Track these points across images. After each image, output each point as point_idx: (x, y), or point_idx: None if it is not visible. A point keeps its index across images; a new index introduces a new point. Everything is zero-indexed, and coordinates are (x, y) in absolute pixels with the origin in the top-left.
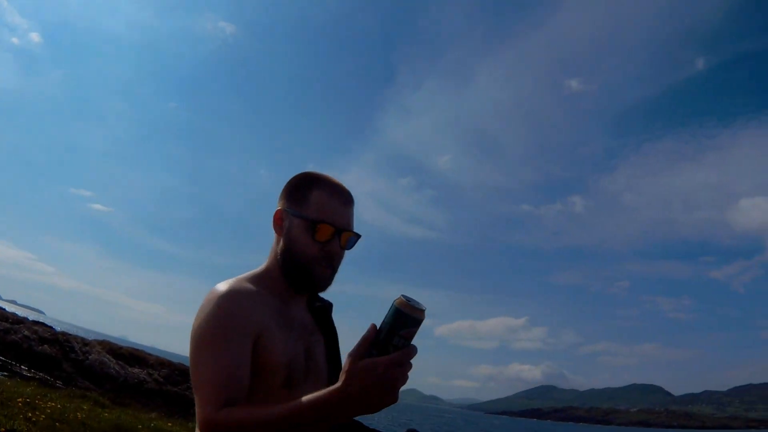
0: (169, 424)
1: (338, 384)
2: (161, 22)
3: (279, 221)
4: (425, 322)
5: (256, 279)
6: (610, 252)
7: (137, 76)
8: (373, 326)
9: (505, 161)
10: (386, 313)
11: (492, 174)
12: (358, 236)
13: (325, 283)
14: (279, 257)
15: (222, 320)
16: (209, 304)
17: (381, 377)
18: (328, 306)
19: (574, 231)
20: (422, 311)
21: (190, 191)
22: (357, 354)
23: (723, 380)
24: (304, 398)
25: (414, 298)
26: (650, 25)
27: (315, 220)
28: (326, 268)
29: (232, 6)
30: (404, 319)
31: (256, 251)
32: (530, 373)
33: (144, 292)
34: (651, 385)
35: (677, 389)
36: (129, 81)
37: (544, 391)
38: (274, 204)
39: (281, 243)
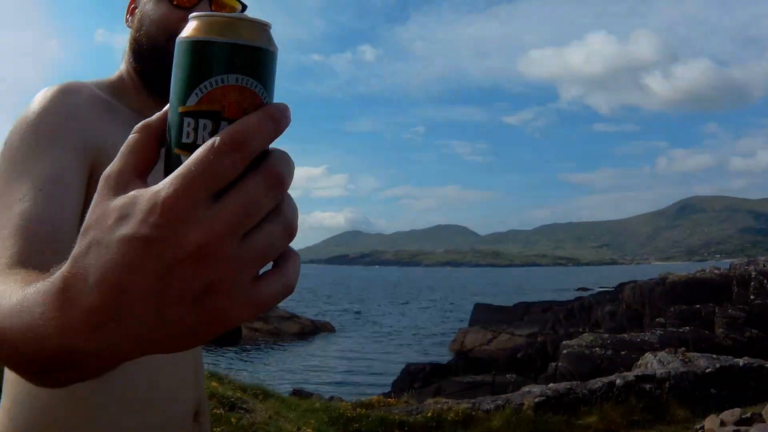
0: None
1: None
2: None
3: (132, 11)
4: None
5: (107, 86)
6: (404, 99)
7: None
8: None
9: (296, 12)
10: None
11: (283, 26)
12: (244, 7)
13: None
14: (131, 53)
15: (39, 124)
16: (28, 107)
17: (168, 232)
18: None
19: (366, 79)
20: (262, 27)
21: None
22: (118, 175)
23: (527, 220)
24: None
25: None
26: None
27: None
28: None
29: None
30: (221, 57)
31: None
32: (333, 220)
33: None
34: (456, 225)
35: (482, 229)
36: None
37: (350, 237)
38: None
39: (132, 32)
